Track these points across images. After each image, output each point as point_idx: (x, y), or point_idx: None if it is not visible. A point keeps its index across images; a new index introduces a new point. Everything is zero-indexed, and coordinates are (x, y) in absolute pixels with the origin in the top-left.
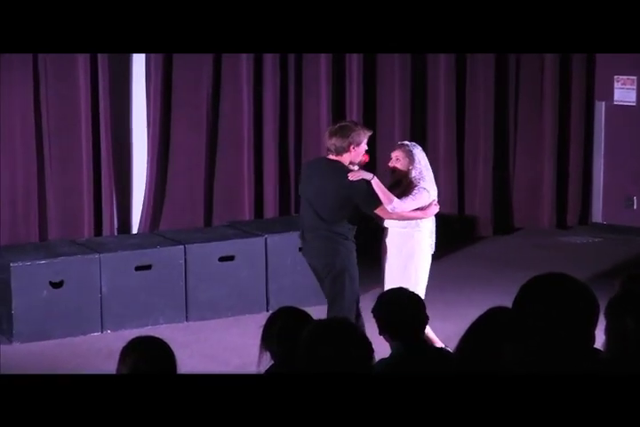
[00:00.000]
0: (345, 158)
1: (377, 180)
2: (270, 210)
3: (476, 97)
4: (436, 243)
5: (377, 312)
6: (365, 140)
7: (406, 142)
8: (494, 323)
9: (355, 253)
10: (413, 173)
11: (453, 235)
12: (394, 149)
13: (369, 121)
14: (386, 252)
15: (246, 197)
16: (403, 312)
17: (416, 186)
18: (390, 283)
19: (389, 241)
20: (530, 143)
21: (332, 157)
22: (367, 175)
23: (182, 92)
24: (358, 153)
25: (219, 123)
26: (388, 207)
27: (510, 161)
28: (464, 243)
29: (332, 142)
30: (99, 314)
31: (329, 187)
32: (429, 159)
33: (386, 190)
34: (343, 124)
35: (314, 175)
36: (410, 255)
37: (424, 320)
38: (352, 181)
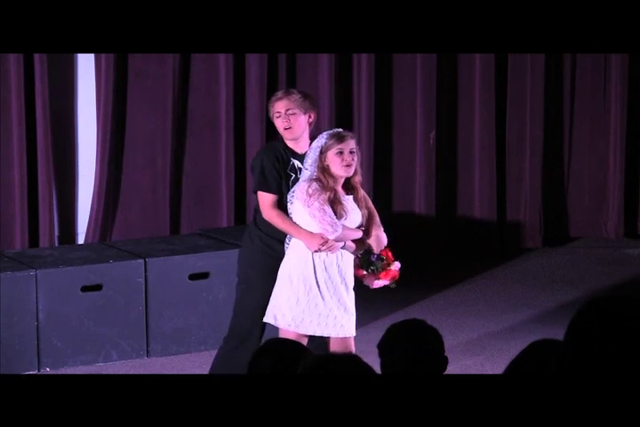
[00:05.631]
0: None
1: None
2: None
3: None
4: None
5: (385, 349)
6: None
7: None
8: (539, 361)
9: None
10: (359, 175)
11: (490, 247)
12: (341, 141)
13: (381, 107)
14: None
15: (224, 198)
16: (421, 350)
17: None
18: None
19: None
20: (592, 131)
21: None
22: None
23: (141, 60)
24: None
25: (188, 102)
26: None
27: (566, 152)
28: (504, 257)
29: None
30: (35, 347)
31: None
32: (459, 150)
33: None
34: None
35: None
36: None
37: (443, 363)
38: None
